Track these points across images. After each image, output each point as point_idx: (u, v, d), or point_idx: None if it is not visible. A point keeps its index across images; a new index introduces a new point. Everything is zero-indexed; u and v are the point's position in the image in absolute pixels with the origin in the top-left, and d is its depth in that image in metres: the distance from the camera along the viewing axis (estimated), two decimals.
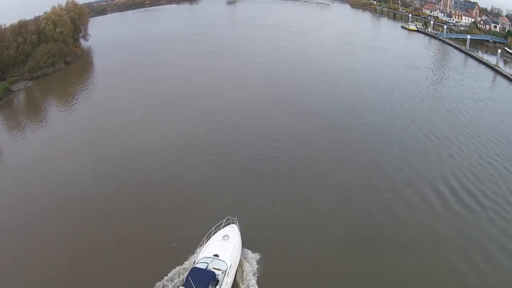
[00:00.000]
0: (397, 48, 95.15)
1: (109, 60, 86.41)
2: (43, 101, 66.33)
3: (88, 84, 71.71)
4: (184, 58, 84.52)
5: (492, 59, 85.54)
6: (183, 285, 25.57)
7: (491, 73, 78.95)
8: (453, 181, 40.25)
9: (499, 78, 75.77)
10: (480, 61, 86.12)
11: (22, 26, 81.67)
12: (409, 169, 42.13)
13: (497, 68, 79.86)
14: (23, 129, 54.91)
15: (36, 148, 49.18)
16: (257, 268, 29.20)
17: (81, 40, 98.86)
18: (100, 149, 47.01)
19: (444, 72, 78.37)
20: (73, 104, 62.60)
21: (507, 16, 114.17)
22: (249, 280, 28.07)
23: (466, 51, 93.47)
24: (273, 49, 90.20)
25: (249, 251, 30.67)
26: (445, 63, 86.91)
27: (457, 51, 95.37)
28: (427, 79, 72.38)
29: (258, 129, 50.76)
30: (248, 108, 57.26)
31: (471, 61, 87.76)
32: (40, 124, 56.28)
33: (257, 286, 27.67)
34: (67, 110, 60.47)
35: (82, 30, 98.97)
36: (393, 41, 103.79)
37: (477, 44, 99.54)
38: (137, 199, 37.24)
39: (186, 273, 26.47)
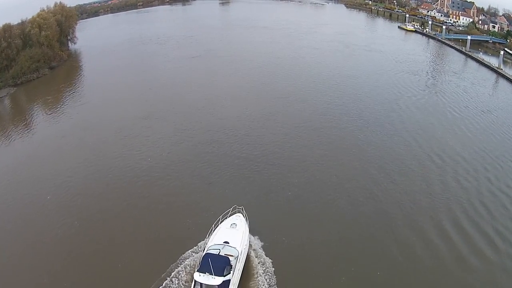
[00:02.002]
0: (396, 51, 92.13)
1: (93, 65, 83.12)
2: (24, 110, 63.06)
3: (69, 92, 67.88)
4: (171, 63, 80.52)
5: (493, 61, 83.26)
6: (198, 270, 26.17)
7: (494, 77, 75.89)
8: (460, 218, 34.63)
9: (504, 82, 72.82)
10: (481, 63, 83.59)
11: (6, 30, 78.02)
12: (415, 204, 36.54)
13: (500, 71, 77.34)
14: (5, 139, 52.22)
15: (20, 153, 47.39)
16: (264, 254, 30.02)
17: (69, 43, 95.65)
18: (94, 150, 46.31)
19: (446, 78, 74.54)
20: (54, 113, 59.20)
21: (504, 15, 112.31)
22: (258, 266, 29.19)
23: (467, 52, 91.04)
24: (266, 53, 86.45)
25: (257, 239, 31.63)
26: (446, 66, 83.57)
27: (457, 53, 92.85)
28: (430, 86, 68.63)
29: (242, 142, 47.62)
30: (237, 118, 54.07)
31: (473, 64, 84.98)
32: (22, 133, 53.31)
33: (265, 271, 28.50)
34: (48, 119, 57.62)
35: (70, 33, 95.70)
36: (391, 43, 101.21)
37: (476, 44, 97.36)
38: (143, 195, 37.87)
39: (200, 259, 27.27)
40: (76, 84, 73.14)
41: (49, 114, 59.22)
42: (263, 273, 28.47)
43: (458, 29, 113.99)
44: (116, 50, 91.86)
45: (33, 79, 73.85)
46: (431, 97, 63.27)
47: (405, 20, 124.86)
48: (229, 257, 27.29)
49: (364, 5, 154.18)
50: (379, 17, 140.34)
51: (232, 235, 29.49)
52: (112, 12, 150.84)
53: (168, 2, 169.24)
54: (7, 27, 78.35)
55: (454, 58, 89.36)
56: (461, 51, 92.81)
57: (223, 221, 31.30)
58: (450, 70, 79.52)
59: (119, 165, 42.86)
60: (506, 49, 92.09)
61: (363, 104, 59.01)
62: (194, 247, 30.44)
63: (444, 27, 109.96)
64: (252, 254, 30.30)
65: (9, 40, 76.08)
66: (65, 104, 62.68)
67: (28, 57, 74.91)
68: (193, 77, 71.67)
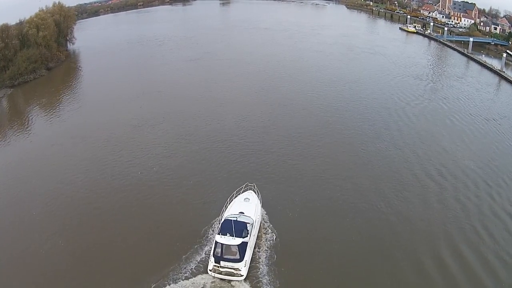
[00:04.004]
0: (398, 54, 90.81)
1: (90, 66, 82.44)
2: (20, 112, 62.22)
3: (64, 95, 66.93)
4: (168, 66, 79.12)
5: (495, 63, 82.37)
6: (218, 233, 28.83)
7: (497, 80, 74.68)
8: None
9: (506, 86, 71.49)
10: (484, 65, 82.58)
11: (3, 30, 77.20)
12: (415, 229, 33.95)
13: (502, 74, 76.34)
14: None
15: (10, 160, 46.27)
16: (274, 227, 32.52)
17: (67, 43, 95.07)
18: (85, 157, 45.39)
19: (449, 82, 72.51)
20: (47, 117, 58.11)
21: (505, 17, 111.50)
22: (269, 236, 31.78)
23: (469, 54, 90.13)
24: (267, 55, 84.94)
25: (268, 213, 34.17)
26: (449, 70, 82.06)
27: (459, 55, 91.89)
28: (432, 92, 66.59)
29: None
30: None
31: (475, 66, 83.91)
32: (15, 138, 52.37)
33: (275, 242, 31.08)
34: (41, 123, 56.56)
35: (68, 33, 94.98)
36: (393, 45, 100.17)
37: (478, 46, 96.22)
38: (162, 182, 39.91)
39: (220, 224, 30.00)
40: (72, 86, 72.27)
41: (42, 118, 58.04)
42: (272, 242, 31.18)
43: (460, 30, 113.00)
44: (114, 51, 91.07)
45: (30, 80, 73.11)
46: (434, 104, 61.23)
47: (406, 21, 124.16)
48: (246, 223, 29.77)
49: (365, 6, 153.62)
50: (380, 18, 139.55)
51: (246, 206, 32.11)
52: (112, 12, 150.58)
53: (168, 2, 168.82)
54: (5, 28, 77.43)
55: (456, 61, 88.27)
56: (463, 53, 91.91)
57: (236, 196, 33.57)
58: (452, 74, 78.22)
59: (112, 172, 41.97)
60: (508, 51, 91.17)
61: (366, 112, 57.13)
62: (213, 220, 32.86)
63: (445, 28, 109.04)
64: (264, 226, 32.77)
65: (6, 40, 75.31)
66: (59, 107, 61.59)
67: (25, 58, 74.10)
68: (190, 81, 70.02)
